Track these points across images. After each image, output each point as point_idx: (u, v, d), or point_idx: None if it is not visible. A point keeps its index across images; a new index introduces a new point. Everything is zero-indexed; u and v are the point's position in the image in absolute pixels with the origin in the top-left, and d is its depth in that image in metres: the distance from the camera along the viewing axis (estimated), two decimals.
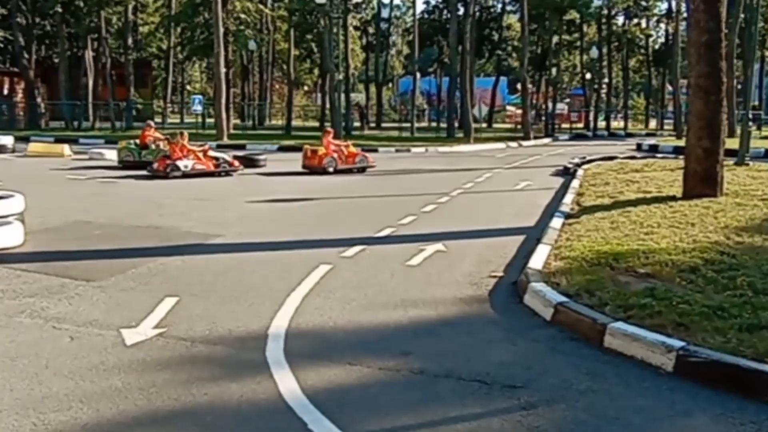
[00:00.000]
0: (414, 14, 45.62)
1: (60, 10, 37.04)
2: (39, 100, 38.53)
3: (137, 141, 19.35)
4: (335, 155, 18.31)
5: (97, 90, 40.62)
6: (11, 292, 6.38)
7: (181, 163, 16.79)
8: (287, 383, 4.44)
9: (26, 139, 26.30)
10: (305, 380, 4.49)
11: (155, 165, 16.88)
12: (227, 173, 17.40)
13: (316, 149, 18.42)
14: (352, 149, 19.13)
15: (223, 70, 31.15)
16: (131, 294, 6.40)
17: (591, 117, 47.81)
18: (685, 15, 35.49)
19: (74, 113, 38.48)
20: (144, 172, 16.67)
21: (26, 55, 37.80)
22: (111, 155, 21.39)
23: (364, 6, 49.16)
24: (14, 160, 21.01)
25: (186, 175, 16.51)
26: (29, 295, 6.29)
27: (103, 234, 9.28)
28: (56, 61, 41.43)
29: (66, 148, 22.83)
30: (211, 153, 17.86)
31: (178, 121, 50.91)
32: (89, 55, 39.89)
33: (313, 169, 18.03)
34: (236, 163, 17.88)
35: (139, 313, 5.78)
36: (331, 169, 18.04)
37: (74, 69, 41.01)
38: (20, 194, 8.90)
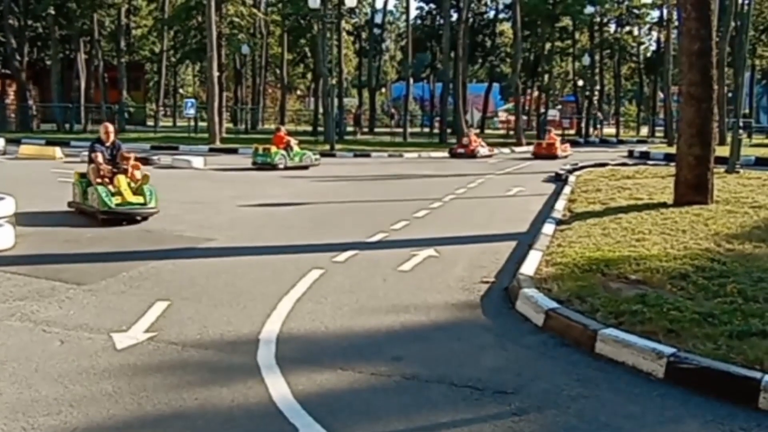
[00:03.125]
0: (407, 20, 45.73)
1: (52, 12, 36.88)
2: (30, 102, 38.34)
3: (267, 147, 20.47)
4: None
5: (89, 93, 40.49)
6: (1, 294, 6.34)
7: (482, 150, 27.77)
8: (278, 388, 4.43)
9: (17, 142, 26.19)
10: (296, 385, 4.48)
11: (460, 150, 27.20)
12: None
13: (551, 142, 27.93)
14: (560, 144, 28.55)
15: (216, 73, 31.08)
16: (122, 297, 6.37)
17: (583, 124, 48.04)
18: (676, 23, 35.73)
19: (66, 116, 38.33)
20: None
21: (18, 57, 37.61)
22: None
23: (357, 11, 49.18)
24: (5, 162, 20.91)
25: (483, 157, 26.94)
26: (19, 298, 6.25)
27: (94, 237, 9.24)
28: (48, 63, 41.24)
29: (57, 151, 22.75)
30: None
31: (170, 124, 50.81)
32: (81, 57, 39.77)
33: (545, 156, 26.64)
34: (495, 150, 29.49)
35: (130, 316, 5.75)
36: (560, 155, 26.86)
37: (66, 71, 40.90)
38: (10, 196, 8.86)
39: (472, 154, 26.76)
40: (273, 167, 19.68)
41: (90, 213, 10.45)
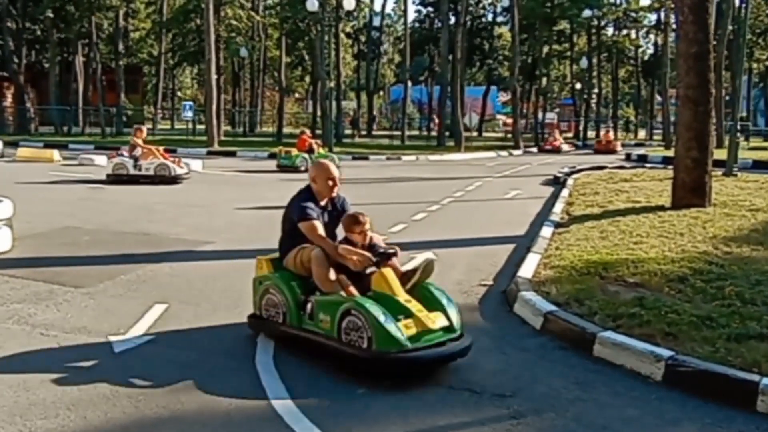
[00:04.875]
0: (405, 23, 45.81)
1: (51, 15, 36.95)
2: (29, 105, 38.38)
3: (289, 150, 21.14)
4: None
5: (87, 95, 40.51)
6: None
7: (564, 146, 35.50)
8: (277, 391, 4.43)
9: (15, 144, 26.18)
10: (295, 388, 4.47)
11: (548, 147, 35.30)
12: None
13: (609, 140, 35.76)
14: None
15: (214, 76, 31.13)
16: (120, 301, 6.36)
17: (581, 127, 48.12)
18: (674, 26, 35.76)
19: (64, 118, 38.34)
20: None
21: (16, 60, 37.65)
22: (101, 161, 21.31)
23: (355, 14, 49.23)
24: (2, 164, 20.87)
25: (565, 152, 34.35)
26: (17, 301, 6.24)
27: (92, 240, 9.23)
28: (46, 66, 41.33)
29: (55, 154, 22.77)
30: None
31: (168, 127, 50.82)
32: (80, 60, 39.79)
33: (604, 151, 32.98)
34: (572, 147, 37.40)
35: (127, 319, 5.75)
36: (617, 150, 33.62)
37: (64, 74, 40.95)
38: (8, 199, 8.83)
39: (557, 150, 34.33)
40: (295, 170, 20.02)
41: (337, 351, 4.73)
